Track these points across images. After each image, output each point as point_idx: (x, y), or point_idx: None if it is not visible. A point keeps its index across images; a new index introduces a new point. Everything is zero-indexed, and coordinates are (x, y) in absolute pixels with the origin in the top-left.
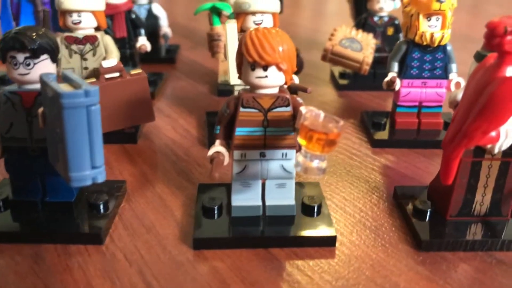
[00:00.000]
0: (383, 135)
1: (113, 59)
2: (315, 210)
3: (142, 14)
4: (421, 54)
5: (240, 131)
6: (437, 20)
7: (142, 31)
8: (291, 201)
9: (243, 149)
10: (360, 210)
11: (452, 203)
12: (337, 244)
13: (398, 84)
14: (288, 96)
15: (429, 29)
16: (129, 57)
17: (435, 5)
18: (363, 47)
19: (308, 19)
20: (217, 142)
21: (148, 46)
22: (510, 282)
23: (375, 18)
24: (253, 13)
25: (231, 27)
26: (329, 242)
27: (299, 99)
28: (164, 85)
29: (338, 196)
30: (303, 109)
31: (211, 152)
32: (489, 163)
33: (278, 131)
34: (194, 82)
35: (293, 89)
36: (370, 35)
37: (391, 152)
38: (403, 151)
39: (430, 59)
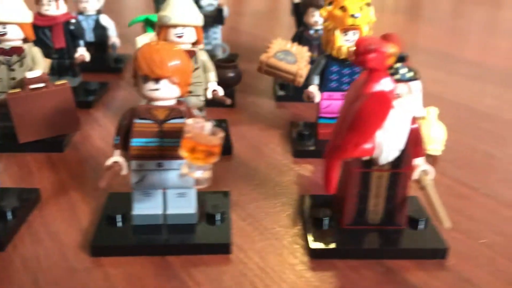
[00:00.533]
0: (305, 145)
1: (38, 70)
2: (218, 218)
3: (90, 24)
4: (339, 68)
5: (136, 142)
6: (354, 35)
7: (81, 42)
8: (192, 210)
9: (140, 159)
10: (267, 218)
11: (346, 212)
12: (234, 252)
13: (318, 96)
14: (183, 108)
15: (346, 43)
16: (68, 67)
17: (349, 21)
18: (298, 60)
19: (254, 27)
20: (116, 152)
21: (86, 57)
22: None
23: (311, 31)
24: (174, 26)
25: (142, 40)
26: (223, 249)
27: (196, 111)
28: (106, 94)
29: (250, 204)
30: (189, 121)
31: (109, 161)
32: (378, 174)
33: (174, 142)
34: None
35: (216, 100)
36: (305, 48)
37: (311, 162)
38: (322, 161)
39: (349, 73)
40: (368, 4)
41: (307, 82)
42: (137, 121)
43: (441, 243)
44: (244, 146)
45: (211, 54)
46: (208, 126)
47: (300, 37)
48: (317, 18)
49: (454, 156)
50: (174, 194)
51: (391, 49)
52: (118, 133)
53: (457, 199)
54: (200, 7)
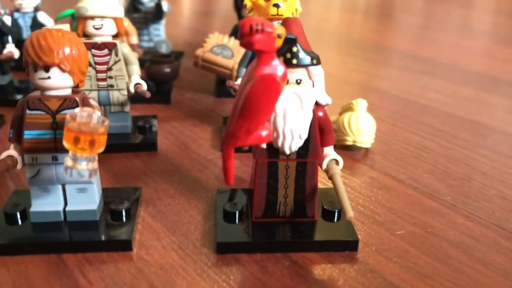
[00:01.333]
0: None
1: None
2: (123, 215)
3: (27, 22)
4: None
5: (28, 134)
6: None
7: (9, 38)
8: (93, 206)
9: (34, 153)
10: (179, 214)
11: (255, 204)
12: (135, 249)
13: None
14: (77, 97)
15: None
16: None
17: (272, 10)
18: (234, 54)
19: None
20: (12, 146)
21: (15, 54)
22: (295, 284)
23: None
24: (92, 18)
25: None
26: (124, 246)
27: (92, 101)
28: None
29: (163, 201)
30: (75, 110)
31: (2, 155)
32: (285, 164)
33: None
34: None
35: (137, 94)
36: None
37: (238, 157)
38: (249, 156)
39: None
40: None
41: (236, 75)
42: (29, 112)
43: (352, 235)
44: (171, 142)
45: (154, 51)
46: (96, 115)
47: (238, 31)
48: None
49: (386, 148)
50: (73, 189)
51: (278, 30)
52: (12, 126)
53: (380, 190)
54: (141, 3)
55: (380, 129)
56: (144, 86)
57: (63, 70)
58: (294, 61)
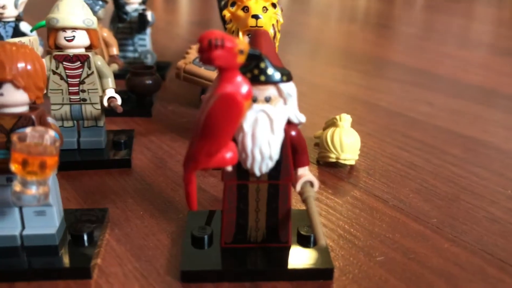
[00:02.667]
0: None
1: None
2: (84, 239)
3: (8, 32)
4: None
5: None
6: None
7: None
8: (52, 230)
9: None
10: (146, 237)
11: (225, 229)
12: (95, 277)
13: None
14: (34, 115)
15: None
16: None
17: (251, 21)
18: None
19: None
20: None
21: None
22: None
23: None
24: (63, 29)
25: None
26: (83, 274)
27: (50, 119)
28: None
29: (131, 222)
30: (25, 130)
31: None
32: (256, 186)
33: None
34: None
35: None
36: None
37: (216, 175)
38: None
39: None
40: (274, 5)
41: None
42: None
43: (327, 263)
44: (147, 158)
45: (139, 62)
46: (49, 135)
47: None
48: None
49: (371, 165)
50: (31, 212)
51: (240, 45)
52: None
53: (362, 211)
54: (125, 13)
55: (366, 144)
56: (119, 100)
57: (17, 87)
58: (262, 78)
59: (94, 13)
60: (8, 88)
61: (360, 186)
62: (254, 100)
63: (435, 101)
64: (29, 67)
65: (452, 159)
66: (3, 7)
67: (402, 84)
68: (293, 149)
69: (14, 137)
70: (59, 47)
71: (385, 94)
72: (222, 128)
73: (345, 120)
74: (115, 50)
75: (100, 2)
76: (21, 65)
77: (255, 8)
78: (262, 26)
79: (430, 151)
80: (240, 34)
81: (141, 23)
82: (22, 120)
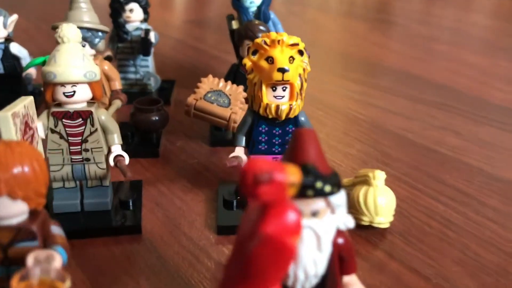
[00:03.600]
0: (231, 218)
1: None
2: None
3: None
4: (269, 128)
5: None
6: (284, 90)
7: None
8: None
9: None
10: None
11: None
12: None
13: (244, 161)
14: (35, 227)
15: (275, 100)
16: None
17: (277, 75)
18: (232, 102)
19: (192, 33)
20: None
21: None
22: None
23: None
24: (62, 84)
25: (4, 117)
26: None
27: (54, 228)
28: None
29: None
30: (28, 260)
31: None
32: None
33: None
34: None
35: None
36: (240, 88)
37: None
38: None
39: (280, 133)
40: (300, 52)
41: (233, 143)
42: None
43: None
44: (158, 219)
45: (142, 84)
46: (55, 269)
47: (236, 73)
48: None
49: (406, 225)
50: None
51: (292, 175)
52: None
53: None
54: (126, 32)
55: (399, 193)
56: (126, 159)
57: (14, 198)
58: (310, 193)
59: (94, 45)
60: (3, 202)
61: (396, 257)
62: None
63: (462, 129)
64: (27, 170)
65: (491, 214)
66: None
67: (426, 106)
68: (340, 257)
69: (13, 283)
70: (55, 101)
71: (410, 120)
72: (267, 273)
73: (379, 178)
74: (117, 85)
75: (100, 34)
76: (17, 171)
77: (281, 60)
78: (288, 80)
79: (466, 202)
80: (264, 87)
81: (145, 47)
82: (21, 234)
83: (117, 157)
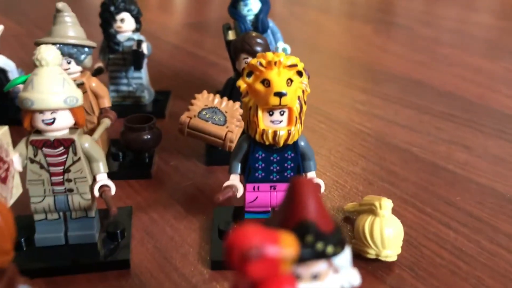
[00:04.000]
0: (221, 249)
1: None
2: None
3: None
4: (266, 154)
5: None
6: (282, 114)
7: None
8: None
9: None
10: None
11: None
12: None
13: (240, 190)
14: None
15: (272, 125)
16: None
17: (274, 100)
18: (228, 119)
19: (190, 38)
20: None
21: None
22: None
23: None
24: (41, 111)
25: None
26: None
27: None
28: None
29: None
30: None
31: None
32: None
33: None
34: None
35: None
36: (237, 104)
37: (230, 277)
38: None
39: (278, 160)
40: (300, 73)
41: (228, 170)
42: None
43: None
44: (148, 251)
45: (135, 96)
46: None
47: (232, 88)
48: None
49: (415, 257)
50: None
51: (286, 249)
52: None
53: None
54: (117, 43)
55: (406, 219)
56: (112, 189)
57: None
58: (309, 256)
59: (80, 62)
60: None
61: None
62: (297, 277)
63: (472, 143)
64: None
65: (505, 242)
66: None
67: (432, 116)
68: None
69: None
70: (33, 127)
71: (417, 133)
72: None
73: (385, 207)
74: (106, 102)
75: (86, 49)
76: None
77: (278, 83)
78: (286, 104)
79: (478, 227)
80: (260, 112)
81: (136, 60)
82: None
83: (103, 187)
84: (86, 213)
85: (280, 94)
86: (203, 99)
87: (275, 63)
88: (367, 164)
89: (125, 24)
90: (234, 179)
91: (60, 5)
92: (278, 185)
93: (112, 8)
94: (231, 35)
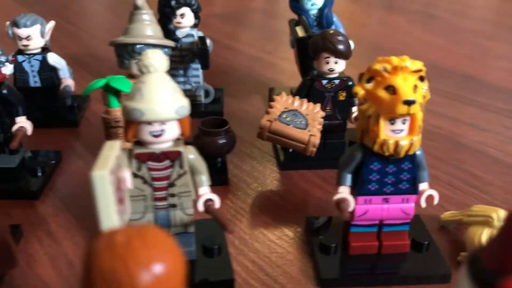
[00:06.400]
0: (332, 267)
1: None
2: None
3: (34, 66)
4: (382, 165)
5: None
6: (404, 123)
7: (20, 110)
8: None
9: None
10: None
11: None
12: None
13: (351, 204)
14: None
15: (393, 135)
16: (3, 143)
17: (402, 109)
18: (309, 123)
19: (253, 44)
20: None
21: (28, 129)
22: None
23: (324, 82)
24: (149, 123)
25: (100, 177)
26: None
27: None
28: (58, 172)
29: None
30: None
31: None
32: None
33: None
34: None
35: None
36: (318, 107)
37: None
38: None
39: (394, 171)
40: (421, 78)
41: (336, 180)
42: None
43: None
44: (248, 268)
45: (192, 95)
46: None
47: (310, 89)
48: (332, 65)
49: None
50: None
51: None
52: None
53: None
54: (175, 39)
55: None
56: (217, 202)
57: None
58: None
59: None
60: None
61: None
62: None
63: None
64: (167, 272)
65: None
66: (28, 37)
67: (495, 114)
68: None
69: None
70: (137, 140)
71: (486, 132)
72: None
73: (503, 219)
74: None
75: (166, 50)
76: (157, 273)
77: (405, 89)
78: (414, 113)
79: None
80: (381, 121)
81: (205, 59)
82: None
83: (207, 201)
84: (186, 229)
85: (409, 102)
86: (283, 102)
87: (401, 68)
88: (446, 168)
89: (185, 19)
90: (345, 192)
91: (139, 2)
92: (391, 197)
93: (173, 3)
94: (299, 32)
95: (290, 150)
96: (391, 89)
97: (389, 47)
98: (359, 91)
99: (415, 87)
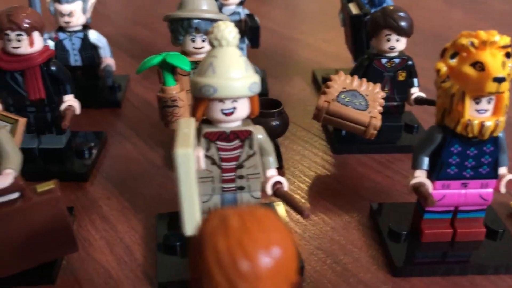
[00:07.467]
0: (405, 255)
1: (9, 170)
2: None
3: (76, 44)
4: (463, 148)
5: None
6: (489, 103)
7: (68, 88)
8: None
9: None
10: None
11: None
12: None
13: (429, 188)
14: None
15: (477, 115)
16: (51, 122)
17: (491, 86)
18: (369, 104)
19: (287, 24)
20: None
21: (77, 108)
22: None
23: (383, 61)
24: (221, 100)
25: (184, 155)
26: None
27: None
28: (103, 154)
29: None
30: None
31: None
32: None
33: None
34: (143, 143)
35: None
36: (378, 87)
37: (417, 284)
38: (436, 281)
39: (475, 154)
40: (508, 55)
41: (412, 165)
42: None
43: None
44: (316, 256)
45: None
46: None
47: (368, 68)
48: (394, 43)
49: None
50: None
51: None
52: None
53: None
54: None
55: None
56: (285, 185)
57: None
58: None
59: None
60: None
61: None
62: None
63: None
64: (283, 258)
65: None
66: (70, 14)
67: None
68: None
69: None
70: (205, 119)
71: None
72: None
73: None
74: None
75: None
76: (275, 258)
77: (495, 66)
78: (503, 91)
79: None
80: (467, 100)
81: (255, 37)
82: None
83: (276, 184)
84: None
85: (499, 80)
86: (341, 81)
87: (490, 43)
88: None
89: None
90: (421, 176)
91: None
92: (470, 182)
93: None
94: (353, 9)
95: (343, 132)
96: (479, 66)
97: (430, 30)
98: (442, 67)
99: (503, 63)
